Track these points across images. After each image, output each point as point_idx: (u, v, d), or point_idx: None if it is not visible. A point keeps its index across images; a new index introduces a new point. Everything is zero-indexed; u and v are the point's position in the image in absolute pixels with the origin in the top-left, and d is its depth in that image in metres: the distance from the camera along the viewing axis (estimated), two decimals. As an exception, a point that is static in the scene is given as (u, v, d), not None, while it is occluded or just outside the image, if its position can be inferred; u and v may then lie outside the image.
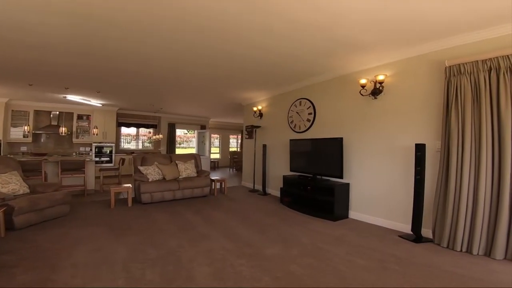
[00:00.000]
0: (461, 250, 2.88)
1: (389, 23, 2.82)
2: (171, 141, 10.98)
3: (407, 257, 2.75)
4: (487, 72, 2.80)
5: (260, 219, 4.03)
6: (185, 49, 3.61)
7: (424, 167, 3.22)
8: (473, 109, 2.89)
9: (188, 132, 17.08)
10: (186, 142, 17.19)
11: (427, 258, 2.72)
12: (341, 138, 4.12)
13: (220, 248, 2.90)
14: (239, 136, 14.55)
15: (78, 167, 5.65)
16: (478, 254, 2.78)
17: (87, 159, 5.92)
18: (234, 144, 14.84)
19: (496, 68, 2.74)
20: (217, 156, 13.55)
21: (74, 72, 4.78)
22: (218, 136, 13.71)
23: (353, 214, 4.15)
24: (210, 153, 11.19)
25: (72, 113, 8.40)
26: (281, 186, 5.17)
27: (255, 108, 6.64)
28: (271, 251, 2.85)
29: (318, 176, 4.51)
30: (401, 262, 2.63)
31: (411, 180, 3.45)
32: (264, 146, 6.01)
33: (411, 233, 3.33)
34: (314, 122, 4.91)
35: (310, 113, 4.98)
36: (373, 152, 3.92)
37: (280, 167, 5.83)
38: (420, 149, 3.23)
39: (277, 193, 5.77)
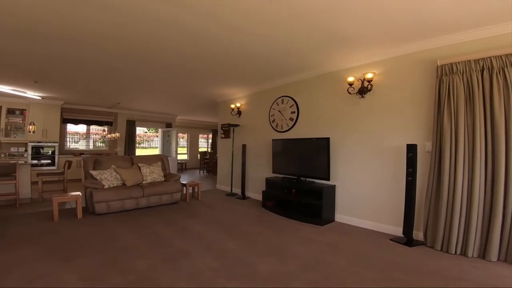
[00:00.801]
0: (455, 253, 2.81)
1: (381, 22, 2.73)
2: (131, 141, 9.82)
3: (409, 264, 2.59)
4: (479, 72, 2.79)
5: (244, 228, 3.61)
6: (148, 30, 3.00)
7: (416, 168, 3.13)
8: (466, 109, 2.86)
9: (149, 130, 15.71)
10: (147, 141, 15.76)
11: (430, 264, 2.59)
12: (328, 138, 3.90)
13: (205, 268, 2.42)
14: (210, 136, 13.87)
15: (7, 172, 4.52)
16: (472, 256, 2.73)
17: (20, 162, 4.80)
18: (204, 144, 14.07)
19: (489, 68, 2.73)
20: (185, 157, 12.66)
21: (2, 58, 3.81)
22: (186, 135, 12.86)
23: (339, 217, 3.97)
24: (177, 154, 10.30)
25: (0, 106, 6.92)
26: (263, 189, 4.86)
27: (232, 106, 6.18)
28: (266, 267, 2.46)
29: (302, 178, 4.25)
30: (406, 270, 2.45)
31: (400, 181, 3.37)
32: (244, 146, 5.59)
33: (402, 236, 3.22)
34: (297, 121, 4.66)
35: (293, 112, 4.71)
36: (360, 153, 3.78)
37: (261, 169, 5.49)
38: (411, 150, 3.14)
39: (258, 197, 5.44)
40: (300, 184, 4.12)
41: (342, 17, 2.69)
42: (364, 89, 3.68)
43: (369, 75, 3.56)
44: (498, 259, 2.63)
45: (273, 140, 4.88)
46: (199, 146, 13.55)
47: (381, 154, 3.58)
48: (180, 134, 12.08)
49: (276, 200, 4.47)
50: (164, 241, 3.06)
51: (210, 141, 13.94)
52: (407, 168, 3.17)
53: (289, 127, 4.78)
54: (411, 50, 3.28)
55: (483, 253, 2.71)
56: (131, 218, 3.97)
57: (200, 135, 13.63)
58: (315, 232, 3.49)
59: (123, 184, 4.60)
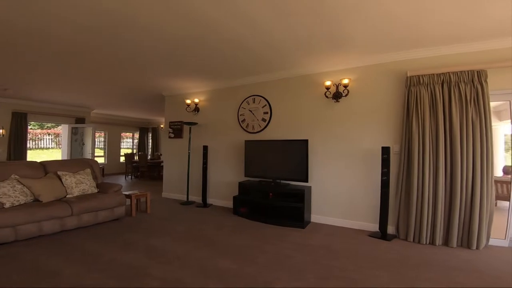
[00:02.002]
0: (425, 243, 3.19)
1: (360, 32, 2.94)
2: (19, 140, 7.37)
3: (400, 258, 2.77)
4: (440, 84, 3.25)
5: (228, 241, 3.21)
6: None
7: (389, 168, 3.42)
8: (431, 117, 3.29)
9: (43, 126, 12.59)
10: (34, 140, 12.54)
11: (417, 256, 2.83)
12: (307, 140, 3.89)
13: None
14: (136, 135, 12.09)
15: None
16: (439, 244, 3.14)
17: None
18: (129, 144, 12.19)
19: (448, 82, 3.21)
20: (101, 160, 10.59)
21: None
22: (104, 133, 10.79)
23: (314, 217, 4.05)
24: (94, 156, 8.51)
25: None
26: (231, 194, 4.52)
27: (188, 101, 5.50)
28: (285, 285, 2.15)
29: (278, 181, 4.10)
30: (403, 264, 2.61)
31: (372, 180, 3.63)
32: (205, 148, 5.03)
33: (378, 231, 3.46)
34: (270, 122, 4.50)
35: (266, 112, 4.51)
36: (335, 155, 3.92)
37: (229, 173, 5.09)
38: (385, 152, 3.41)
39: (223, 203, 5.04)
40: (279, 187, 3.97)
41: (322, 22, 2.72)
42: (339, 94, 3.82)
43: (345, 81, 3.71)
44: (456, 245, 3.10)
45: (246, 141, 4.56)
46: (122, 146, 11.72)
47: (354, 156, 3.78)
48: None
49: (251, 206, 4.19)
50: (135, 272, 2.37)
51: (136, 140, 12.26)
52: (382, 168, 3.43)
53: (262, 128, 4.57)
54: (385, 60, 3.58)
55: (446, 241, 3.15)
56: (60, 244, 2.99)
57: (123, 134, 11.80)
58: (301, 236, 3.42)
59: (36, 200, 3.46)
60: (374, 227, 3.60)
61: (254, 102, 4.71)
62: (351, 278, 2.30)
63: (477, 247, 2.99)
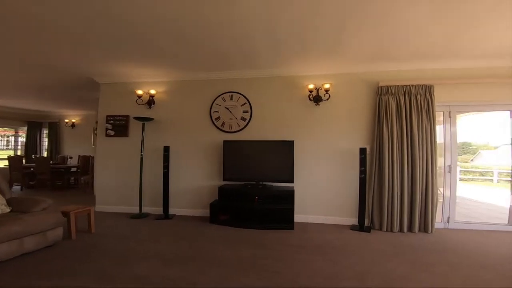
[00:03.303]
0: (396, 231, 3.69)
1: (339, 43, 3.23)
2: None
3: (389, 247, 3.09)
4: (403, 95, 3.84)
5: (226, 255, 2.83)
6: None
7: (366, 167, 3.79)
8: (397, 122, 3.83)
9: None
10: None
11: (398, 242, 3.23)
12: (292, 141, 3.88)
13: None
14: (22, 132, 9.25)
15: None
16: (405, 231, 3.68)
17: None
18: (10, 144, 9.19)
19: (409, 93, 3.82)
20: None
21: None
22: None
23: (297, 217, 4.04)
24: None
25: None
26: (207, 201, 4.08)
27: (140, 92, 4.56)
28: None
29: (263, 183, 3.92)
30: (400, 252, 2.90)
31: (349, 178, 3.97)
32: (166, 149, 4.28)
33: (357, 224, 3.79)
34: (251, 122, 4.22)
35: (245, 111, 4.21)
36: (315, 155, 4.08)
37: (198, 177, 4.51)
38: (363, 152, 3.77)
39: (192, 212, 4.47)
40: (266, 190, 3.79)
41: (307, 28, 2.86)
42: (319, 98, 3.99)
43: (326, 86, 3.91)
44: (418, 231, 3.70)
45: (225, 142, 4.13)
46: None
47: (333, 156, 4.03)
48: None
49: (234, 212, 3.82)
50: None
51: (22, 139, 9.44)
52: (360, 167, 3.77)
53: (241, 128, 4.24)
54: (361, 70, 3.97)
55: (410, 228, 3.72)
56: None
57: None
58: (297, 237, 3.41)
59: None
60: (352, 220, 3.92)
61: (231, 99, 4.36)
62: (386, 269, 2.41)
63: (431, 231, 3.65)
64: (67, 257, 2.71)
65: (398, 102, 3.83)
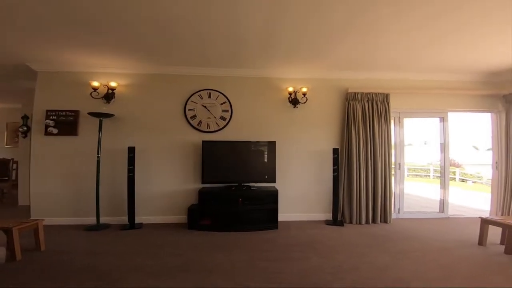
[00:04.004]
0: (364, 223, 4.11)
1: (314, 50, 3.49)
2: None
3: (364, 238, 3.43)
4: (367, 101, 4.30)
5: (225, 263, 2.68)
6: None
7: (339, 166, 4.11)
8: (363, 126, 4.27)
9: None
10: None
11: (370, 233, 3.59)
12: (274, 142, 3.93)
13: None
14: None
15: None
16: (370, 223, 4.13)
17: None
18: None
19: (371, 100, 4.30)
20: None
21: None
22: None
23: (279, 216, 4.06)
24: None
25: None
26: (182, 206, 3.83)
27: (95, 83, 3.90)
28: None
29: (246, 184, 3.86)
30: (374, 243, 3.24)
31: (323, 177, 4.25)
32: (131, 150, 3.78)
33: (331, 219, 4.08)
34: (231, 122, 4.07)
35: (225, 110, 4.03)
36: (293, 155, 4.26)
37: (171, 181, 4.15)
38: (336, 152, 4.08)
39: (164, 220, 4.09)
40: (249, 191, 3.73)
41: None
42: (297, 100, 4.15)
43: (304, 89, 4.10)
44: (380, 222, 4.20)
45: (204, 142, 3.86)
46: None
47: (309, 156, 4.26)
48: None
49: (216, 215, 3.63)
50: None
51: None
52: (333, 166, 4.07)
53: (220, 127, 4.05)
54: (334, 76, 4.29)
55: (374, 220, 4.18)
56: None
57: None
58: (284, 236, 3.48)
59: None
60: (326, 216, 4.20)
61: (209, 97, 4.13)
62: (372, 260, 2.64)
63: (390, 221, 4.20)
64: (24, 281, 2.16)
65: (363, 107, 4.27)
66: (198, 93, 4.17)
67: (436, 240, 3.34)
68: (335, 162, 4.05)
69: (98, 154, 3.92)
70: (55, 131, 4.13)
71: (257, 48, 3.41)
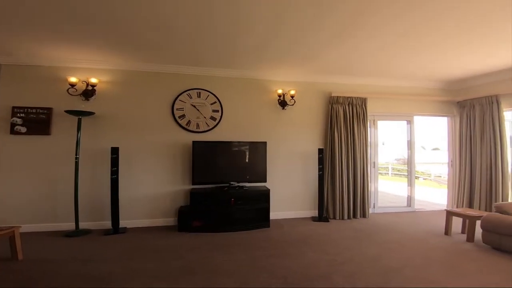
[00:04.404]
0: (345, 219, 4.40)
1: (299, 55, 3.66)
2: None
3: (353, 234, 3.67)
4: (347, 105, 4.62)
5: (228, 263, 2.70)
6: None
7: (323, 165, 4.35)
8: (344, 127, 4.56)
9: None
10: None
11: (352, 227, 3.86)
12: (266, 142, 4.04)
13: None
14: None
15: None
16: (351, 218, 4.44)
17: None
18: None
19: (351, 103, 4.63)
20: None
21: None
22: None
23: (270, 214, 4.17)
24: None
25: None
26: (178, 208, 3.75)
27: (73, 79, 3.61)
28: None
29: (237, 184, 3.87)
30: (359, 236, 3.51)
31: (309, 175, 4.46)
32: (115, 150, 3.57)
33: (317, 216, 4.31)
34: (221, 122, 4.04)
35: (216, 110, 3.98)
36: (282, 155, 4.41)
37: (158, 182, 4.01)
38: (321, 152, 4.32)
39: (150, 223, 3.95)
40: (242, 191, 3.76)
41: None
42: (285, 102, 4.30)
43: (292, 92, 4.26)
44: (359, 217, 4.53)
45: (194, 142, 3.78)
46: None
47: (296, 156, 4.44)
48: None
49: (208, 216, 3.60)
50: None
51: None
52: (318, 165, 4.29)
53: (210, 127, 4.00)
54: (320, 80, 4.52)
55: (354, 215, 4.50)
56: None
57: None
58: (277, 234, 3.59)
59: None
60: (312, 212, 4.43)
61: (199, 96, 4.06)
62: (362, 252, 2.87)
63: (368, 216, 4.55)
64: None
65: (345, 110, 4.58)
66: (187, 92, 4.08)
67: (409, 231, 3.73)
68: (320, 161, 4.28)
69: (76, 155, 3.65)
70: (23, 129, 3.75)
71: (252, 52, 3.48)
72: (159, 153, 4.02)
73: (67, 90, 3.72)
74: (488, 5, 2.32)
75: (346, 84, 4.66)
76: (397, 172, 13.73)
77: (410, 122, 5.20)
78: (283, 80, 4.41)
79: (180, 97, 4.05)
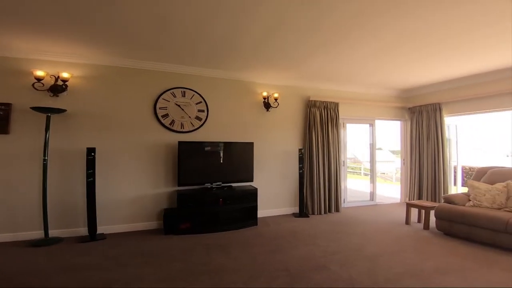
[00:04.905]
0: (322, 214, 4.73)
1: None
2: None
3: (329, 226, 4.00)
4: (323, 108, 4.98)
5: (231, 263, 2.72)
6: None
7: (303, 164, 4.62)
8: (320, 129, 4.91)
9: None
10: None
11: (333, 222, 4.20)
12: (253, 143, 4.12)
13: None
14: None
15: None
16: (327, 213, 4.80)
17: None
18: None
19: (326, 107, 5.00)
20: None
21: None
22: None
23: None
24: None
25: None
26: (163, 210, 3.59)
27: (41, 73, 3.20)
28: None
29: (225, 184, 3.89)
30: (337, 229, 3.83)
31: (289, 174, 4.71)
32: (91, 151, 3.28)
33: (297, 212, 4.56)
34: (206, 122, 3.98)
35: (201, 110, 3.90)
36: (266, 155, 4.56)
37: (140, 184, 3.81)
38: (300, 152, 4.59)
39: (132, 227, 3.73)
40: (230, 191, 3.79)
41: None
42: (269, 105, 4.47)
43: (276, 95, 4.44)
44: (334, 212, 4.92)
45: (180, 143, 3.64)
46: None
47: (279, 156, 4.66)
48: None
49: (196, 217, 3.54)
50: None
51: None
52: (299, 164, 4.56)
53: (195, 127, 3.91)
54: (301, 85, 4.78)
55: (329, 210, 4.88)
56: None
57: None
58: (267, 231, 3.73)
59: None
60: (292, 209, 4.67)
61: (184, 95, 3.93)
62: (347, 243, 3.16)
63: (340, 210, 4.98)
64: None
65: (321, 113, 4.93)
66: (171, 91, 3.94)
67: (378, 222, 4.20)
68: (301, 160, 4.55)
69: (45, 156, 3.28)
70: (-26, 128, 3.23)
71: (244, 55, 3.54)
72: (140, 154, 3.82)
73: (33, 84, 3.31)
74: (429, 38, 2.98)
75: (323, 89, 5.02)
76: (351, 170, 14.97)
77: (372, 125, 5.81)
78: (268, 83, 4.56)
79: (163, 96, 3.89)
